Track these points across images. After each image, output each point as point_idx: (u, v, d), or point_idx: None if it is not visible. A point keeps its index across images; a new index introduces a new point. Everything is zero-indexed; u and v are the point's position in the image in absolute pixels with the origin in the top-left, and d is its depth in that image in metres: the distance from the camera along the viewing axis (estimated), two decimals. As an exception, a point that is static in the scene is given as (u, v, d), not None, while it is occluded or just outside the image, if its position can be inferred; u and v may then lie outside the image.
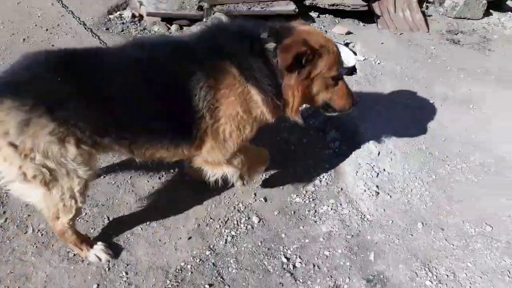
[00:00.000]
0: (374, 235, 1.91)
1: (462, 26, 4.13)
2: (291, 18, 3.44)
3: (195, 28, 3.18)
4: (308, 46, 1.49)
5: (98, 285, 1.62)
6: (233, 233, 1.86)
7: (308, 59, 1.51)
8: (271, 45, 1.52)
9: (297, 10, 3.37)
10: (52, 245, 1.75)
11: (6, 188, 1.46)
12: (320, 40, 1.58)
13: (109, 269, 1.68)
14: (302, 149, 2.37)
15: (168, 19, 3.18)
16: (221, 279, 1.69)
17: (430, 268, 1.80)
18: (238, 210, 1.96)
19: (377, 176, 2.13)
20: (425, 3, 4.38)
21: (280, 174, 2.16)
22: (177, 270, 1.70)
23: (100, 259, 1.69)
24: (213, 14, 3.22)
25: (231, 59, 1.50)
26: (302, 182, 2.12)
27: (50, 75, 1.37)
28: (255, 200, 2.00)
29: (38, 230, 1.80)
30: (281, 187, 2.09)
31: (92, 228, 1.84)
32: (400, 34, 3.75)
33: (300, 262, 1.78)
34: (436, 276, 1.77)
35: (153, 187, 2.04)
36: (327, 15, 3.72)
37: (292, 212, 1.98)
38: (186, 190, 2.02)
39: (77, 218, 1.78)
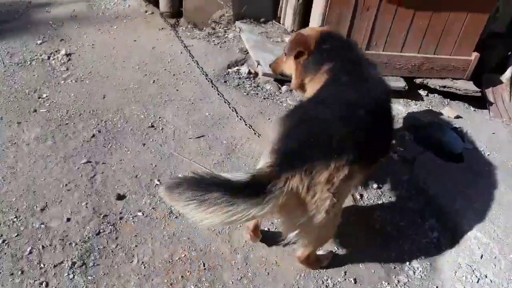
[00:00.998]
0: None
1: None
2: (401, 94, 3.48)
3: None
4: None
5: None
6: (318, 308, 1.87)
7: None
8: None
9: (406, 87, 3.39)
10: (152, 280, 1.90)
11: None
12: None
13: None
14: (397, 232, 2.32)
15: (280, 80, 3.37)
16: None
17: None
18: (326, 286, 1.96)
19: (478, 281, 2.00)
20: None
21: (373, 255, 2.13)
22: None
23: None
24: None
25: None
26: (394, 269, 2.07)
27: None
28: (345, 279, 1.99)
29: (142, 262, 1.97)
30: (372, 270, 2.06)
31: (188, 271, 1.96)
32: (513, 125, 3.58)
33: None
34: None
35: (245, 241, 2.13)
36: (436, 94, 3.68)
37: (382, 301, 1.94)
38: (278, 250, 2.08)
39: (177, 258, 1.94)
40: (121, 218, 2.16)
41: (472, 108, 3.72)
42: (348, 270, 2.04)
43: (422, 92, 3.66)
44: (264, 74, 3.29)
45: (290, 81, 3.37)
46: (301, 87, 2.26)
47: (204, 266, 1.99)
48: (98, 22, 3.95)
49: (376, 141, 1.74)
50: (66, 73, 3.21)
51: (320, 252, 2.04)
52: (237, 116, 2.95)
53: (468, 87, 3.55)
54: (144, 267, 1.95)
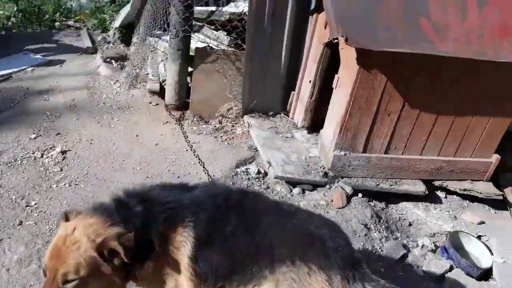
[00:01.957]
0: None
1: None
2: (420, 198, 3.20)
3: (317, 195, 3.04)
4: None
5: None
6: None
7: None
8: None
9: (426, 192, 3.12)
10: None
11: None
12: None
13: None
14: None
15: (291, 182, 3.08)
16: None
17: None
18: None
19: None
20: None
21: None
22: None
23: None
24: (338, 183, 3.07)
25: None
26: None
27: None
28: None
29: None
30: None
31: None
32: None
33: None
34: None
35: None
36: (454, 196, 3.40)
37: None
38: None
39: None
40: None
41: (492, 211, 3.44)
42: None
43: (440, 194, 3.39)
44: (277, 177, 3.01)
45: (304, 184, 3.13)
46: None
47: None
48: (98, 113, 3.70)
49: None
50: (60, 175, 2.88)
51: None
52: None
53: (489, 190, 3.30)
54: None
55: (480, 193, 3.30)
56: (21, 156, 3.03)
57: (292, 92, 3.78)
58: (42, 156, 3.06)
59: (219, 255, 1.55)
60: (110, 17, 6.31)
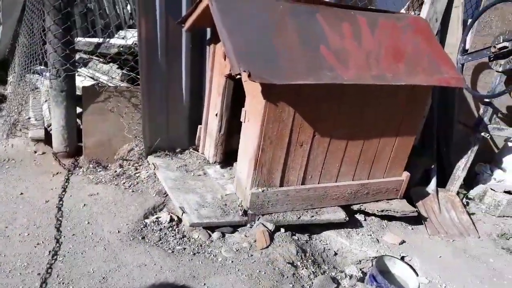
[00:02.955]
0: None
1: (510, 227, 4.03)
2: (341, 225, 3.31)
3: (239, 236, 2.98)
4: None
5: None
6: None
7: None
8: None
9: (347, 218, 3.23)
10: None
11: None
12: None
13: None
14: None
15: (210, 227, 2.98)
16: None
17: None
18: None
19: None
20: (464, 199, 4.33)
21: None
22: None
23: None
24: (258, 220, 3.05)
25: None
26: None
27: None
28: None
29: None
30: None
31: None
32: (453, 240, 3.59)
33: None
34: None
35: None
36: (373, 217, 3.58)
37: None
38: None
39: None
40: None
41: (410, 227, 3.68)
42: None
43: (360, 217, 3.53)
44: (193, 225, 2.87)
45: (223, 226, 3.03)
46: None
47: None
48: (-33, 171, 3.25)
49: None
50: None
51: None
52: (165, 291, 2.43)
53: (404, 208, 3.53)
54: None
55: (397, 212, 3.50)
56: None
57: (199, 125, 3.71)
58: None
59: None
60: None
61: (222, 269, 2.62)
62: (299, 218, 3.08)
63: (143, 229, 2.89)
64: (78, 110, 3.52)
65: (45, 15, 3.02)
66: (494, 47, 3.60)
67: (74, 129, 3.43)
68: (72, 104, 3.32)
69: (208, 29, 3.41)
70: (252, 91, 2.68)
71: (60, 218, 2.85)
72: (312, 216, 3.13)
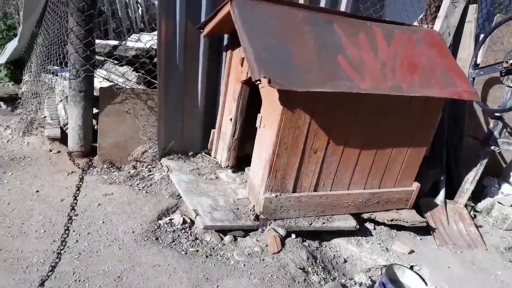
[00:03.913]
0: None
1: (517, 241, 4.05)
2: (351, 233, 3.33)
3: (251, 241, 3.01)
4: None
5: None
6: None
7: None
8: None
9: (358, 226, 3.25)
10: None
11: None
12: None
13: None
14: None
15: (222, 230, 3.01)
16: None
17: None
18: None
19: None
20: (472, 211, 4.36)
21: None
22: None
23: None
24: (269, 225, 3.08)
25: None
26: None
27: None
28: None
29: None
30: None
31: None
32: (461, 252, 3.61)
33: None
34: None
35: None
36: (382, 226, 3.61)
37: None
38: None
39: None
40: None
41: (418, 237, 3.71)
42: None
43: (369, 226, 3.56)
44: (206, 227, 2.90)
45: (235, 230, 3.06)
46: None
47: None
48: (-15, 168, 3.30)
49: None
50: None
51: None
52: (179, 291, 2.46)
53: (414, 218, 3.56)
54: None
55: (407, 222, 3.54)
56: None
57: (213, 130, 3.76)
58: None
59: None
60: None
61: (235, 272, 2.65)
62: (310, 224, 3.11)
63: (157, 230, 2.93)
64: (94, 110, 3.58)
65: (68, 17, 3.08)
66: (506, 62, 3.65)
67: (90, 129, 3.48)
68: (90, 104, 3.37)
69: (226, 35, 3.47)
70: (269, 97, 2.73)
71: (75, 217, 2.88)
72: (324, 223, 3.16)
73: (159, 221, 3.01)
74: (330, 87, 2.54)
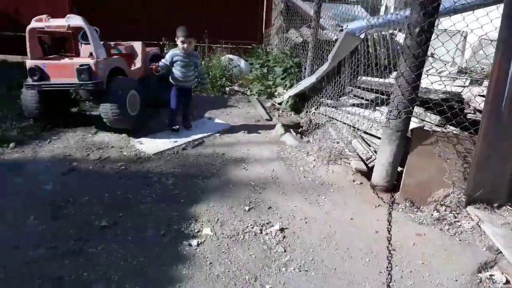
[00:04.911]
0: None
1: None
2: None
3: None
4: None
5: None
6: None
7: None
8: None
9: None
10: None
11: None
12: None
13: None
14: None
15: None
16: None
17: None
18: None
19: None
20: None
21: None
22: None
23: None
24: None
25: None
26: None
27: None
28: None
29: None
30: None
31: None
32: None
33: None
34: None
35: None
36: None
37: None
38: None
39: None
40: None
41: None
42: None
43: None
44: (544, 296, 2.57)
45: None
46: None
47: None
48: (302, 189, 3.73)
49: None
50: (285, 257, 2.85)
51: None
52: None
53: None
54: None
55: None
56: (242, 230, 3.10)
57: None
58: (261, 231, 3.10)
59: None
60: (282, 86, 6.68)
61: None
62: None
63: (479, 284, 2.74)
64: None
65: (399, 61, 3.26)
66: None
67: (396, 167, 3.57)
68: (403, 144, 3.47)
69: None
70: None
71: (393, 251, 2.95)
72: None
73: (479, 274, 2.82)
74: None
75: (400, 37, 6.29)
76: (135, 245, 2.90)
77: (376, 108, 4.92)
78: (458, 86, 4.06)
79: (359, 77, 5.98)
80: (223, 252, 2.87)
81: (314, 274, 2.72)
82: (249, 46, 8.96)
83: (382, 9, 8.99)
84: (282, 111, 6.31)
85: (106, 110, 4.53)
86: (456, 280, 2.73)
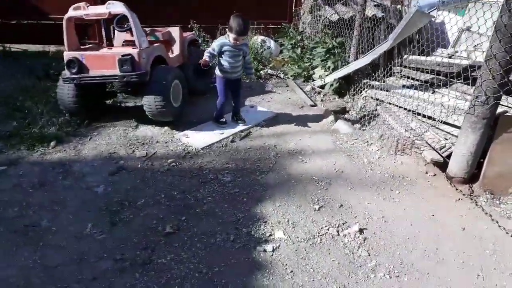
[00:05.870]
0: None
1: None
2: None
3: None
4: None
5: None
6: None
7: None
8: None
9: None
10: None
11: None
12: None
13: None
14: None
15: None
16: None
17: None
18: None
19: None
20: None
21: None
22: None
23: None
24: None
25: None
26: None
27: None
28: None
29: None
30: None
31: None
32: None
33: None
34: None
35: None
36: None
37: None
38: None
39: None
40: None
41: None
42: None
43: None
44: None
45: None
46: None
47: None
48: (371, 183, 3.50)
49: None
50: (371, 262, 2.66)
51: None
52: None
53: None
54: None
55: None
56: (317, 232, 2.91)
57: None
58: (338, 233, 2.90)
59: None
60: (322, 68, 6.38)
61: None
62: None
63: None
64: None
65: (491, 42, 2.96)
66: None
67: (478, 157, 3.32)
68: (488, 132, 3.20)
69: None
70: None
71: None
72: None
73: None
74: None
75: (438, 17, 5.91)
76: (205, 253, 2.73)
77: (435, 90, 4.63)
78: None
79: (406, 56, 5.67)
80: (301, 258, 2.69)
81: (407, 280, 2.53)
82: (278, 26, 8.61)
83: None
84: (324, 95, 6.04)
85: (149, 102, 4.33)
86: None
